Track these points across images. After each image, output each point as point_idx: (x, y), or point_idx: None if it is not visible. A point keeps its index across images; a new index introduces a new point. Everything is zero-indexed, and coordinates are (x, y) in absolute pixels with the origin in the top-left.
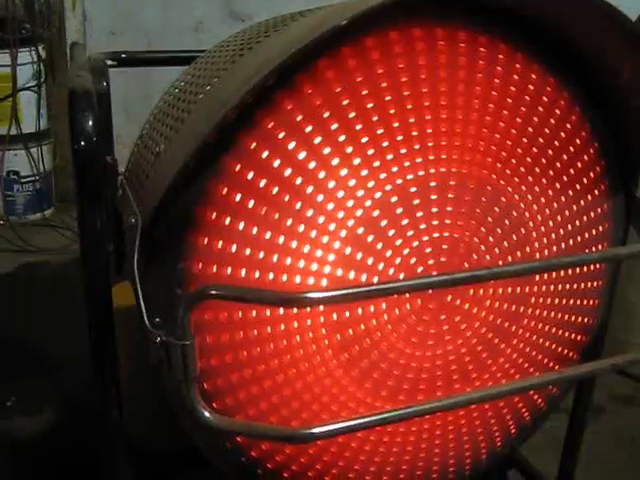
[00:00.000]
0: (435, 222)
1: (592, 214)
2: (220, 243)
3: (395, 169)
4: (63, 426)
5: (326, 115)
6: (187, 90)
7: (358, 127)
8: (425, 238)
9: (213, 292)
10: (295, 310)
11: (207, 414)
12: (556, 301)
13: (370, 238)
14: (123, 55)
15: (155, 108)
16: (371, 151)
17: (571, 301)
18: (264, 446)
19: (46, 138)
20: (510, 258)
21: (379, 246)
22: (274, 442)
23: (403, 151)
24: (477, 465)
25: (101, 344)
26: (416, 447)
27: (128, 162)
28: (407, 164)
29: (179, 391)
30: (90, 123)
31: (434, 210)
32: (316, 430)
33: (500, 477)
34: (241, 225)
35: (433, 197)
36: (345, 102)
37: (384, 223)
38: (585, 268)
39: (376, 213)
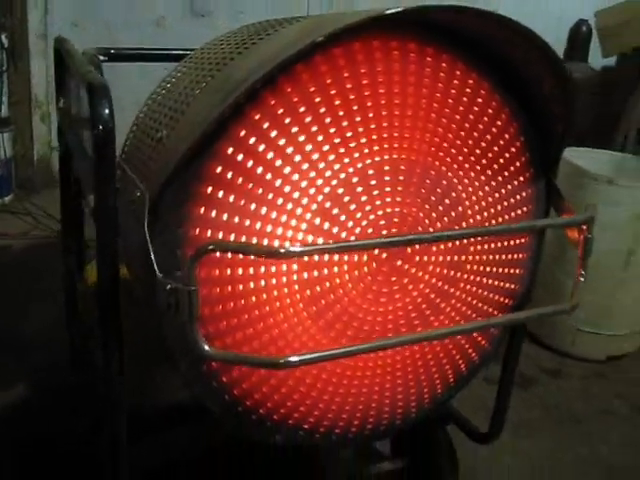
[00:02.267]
0: (388, 199)
1: (518, 197)
2: (214, 212)
3: (356, 155)
4: (34, 404)
5: (302, 110)
6: (183, 85)
7: (327, 120)
8: (380, 212)
9: (216, 246)
10: (274, 269)
11: (207, 347)
12: (487, 269)
13: (335, 211)
14: (112, 51)
15: (149, 100)
16: (337, 140)
17: (500, 269)
18: (245, 385)
19: (7, 125)
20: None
21: (342, 218)
22: (258, 368)
23: (363, 140)
24: (421, 409)
25: (109, 303)
26: (370, 389)
27: (124, 146)
28: (366, 151)
29: (183, 331)
30: (107, 111)
31: (387, 189)
32: (292, 359)
33: (440, 431)
34: (231, 198)
35: (387, 179)
36: (317, 99)
37: (347, 199)
38: (512, 242)
39: (340, 191)
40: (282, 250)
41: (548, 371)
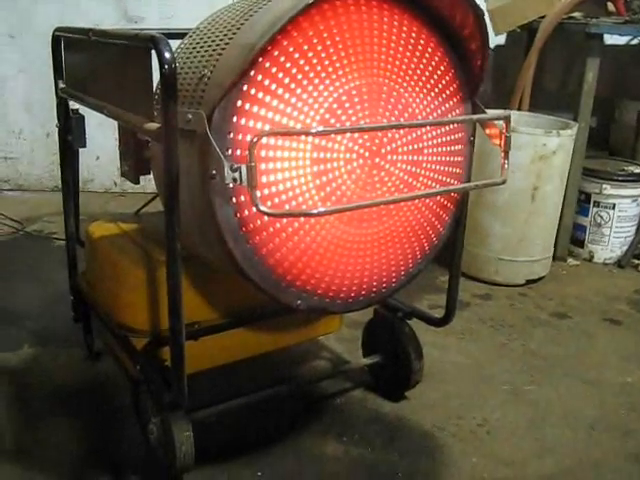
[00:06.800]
0: (365, 109)
1: (454, 113)
2: (251, 122)
3: (343, 80)
4: (39, 355)
5: (305, 48)
6: (213, 37)
7: (323, 55)
8: (360, 115)
9: (268, 132)
10: (293, 153)
11: (264, 207)
12: (437, 167)
13: (332, 120)
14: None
15: (181, 51)
16: (330, 69)
17: (447, 168)
18: (277, 256)
19: None
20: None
21: (335, 121)
22: (295, 217)
23: (347, 69)
24: (399, 280)
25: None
26: (363, 261)
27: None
28: (350, 77)
29: (234, 210)
30: (168, 55)
31: (365, 105)
32: (322, 209)
33: (406, 324)
34: (255, 108)
35: (365, 97)
36: (315, 40)
37: (339, 112)
38: (454, 135)
39: (335, 105)
40: (313, 130)
41: (479, 296)
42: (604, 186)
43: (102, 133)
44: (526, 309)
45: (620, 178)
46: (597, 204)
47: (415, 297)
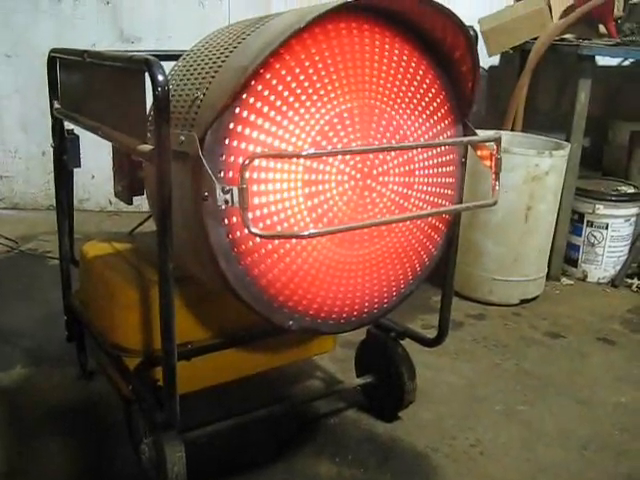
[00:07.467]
0: (356, 131)
1: (445, 135)
2: (243, 144)
3: (335, 102)
4: (32, 374)
5: (297, 71)
6: (206, 60)
7: (306, 84)
8: (352, 137)
9: (260, 154)
10: (285, 175)
11: (255, 229)
12: (428, 189)
13: (323, 143)
14: None
15: (175, 73)
16: (322, 92)
17: (439, 190)
18: (269, 276)
19: None
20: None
21: (326, 143)
22: (286, 238)
23: (339, 92)
24: (392, 301)
25: (166, 229)
26: (355, 282)
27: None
28: (341, 99)
29: (228, 230)
30: (162, 77)
31: (356, 126)
32: (313, 230)
33: (399, 345)
34: (247, 131)
35: (356, 119)
36: (307, 63)
37: (330, 134)
38: (444, 157)
39: (326, 128)
40: (304, 153)
41: (473, 316)
42: (597, 206)
43: (97, 152)
44: (520, 329)
45: (613, 198)
46: (590, 224)
47: (408, 317)
